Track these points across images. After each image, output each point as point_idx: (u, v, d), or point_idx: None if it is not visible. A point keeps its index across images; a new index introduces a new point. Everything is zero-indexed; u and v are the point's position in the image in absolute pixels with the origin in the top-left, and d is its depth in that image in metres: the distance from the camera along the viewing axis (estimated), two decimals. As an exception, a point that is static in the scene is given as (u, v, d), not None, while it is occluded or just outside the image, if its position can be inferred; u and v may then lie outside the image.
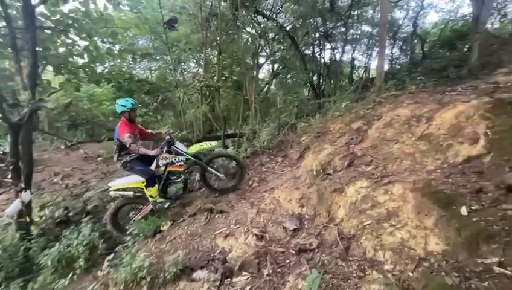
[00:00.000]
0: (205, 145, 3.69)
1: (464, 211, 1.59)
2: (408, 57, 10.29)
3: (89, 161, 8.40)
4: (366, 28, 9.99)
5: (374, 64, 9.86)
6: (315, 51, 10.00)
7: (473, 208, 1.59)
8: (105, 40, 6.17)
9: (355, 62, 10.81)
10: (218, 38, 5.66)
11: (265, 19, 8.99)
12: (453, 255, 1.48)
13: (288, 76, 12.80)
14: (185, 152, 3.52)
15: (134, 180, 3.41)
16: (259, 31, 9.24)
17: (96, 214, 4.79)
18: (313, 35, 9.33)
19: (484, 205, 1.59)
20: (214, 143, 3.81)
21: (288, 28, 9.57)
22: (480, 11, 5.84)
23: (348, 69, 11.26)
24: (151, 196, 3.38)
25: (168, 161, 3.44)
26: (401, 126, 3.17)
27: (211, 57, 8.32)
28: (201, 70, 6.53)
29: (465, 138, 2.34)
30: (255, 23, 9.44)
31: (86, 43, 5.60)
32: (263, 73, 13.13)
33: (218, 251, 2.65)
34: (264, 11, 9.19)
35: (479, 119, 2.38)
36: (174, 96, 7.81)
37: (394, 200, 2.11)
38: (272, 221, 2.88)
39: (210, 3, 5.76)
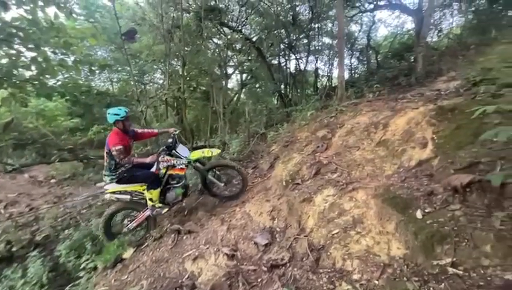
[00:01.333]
0: (206, 152, 3.54)
1: (419, 214, 1.68)
2: (365, 67, 11.16)
3: (39, 184, 7.49)
4: (327, 40, 10.66)
5: (336, 73, 10.53)
6: (281, 61, 10.36)
7: (426, 210, 1.69)
8: (57, 50, 5.66)
9: (319, 71, 11.42)
10: (181, 49, 5.51)
11: (231, 31, 9.11)
12: (413, 258, 1.54)
13: (257, 86, 13.03)
14: (185, 157, 3.36)
15: (123, 184, 3.20)
16: (226, 42, 9.33)
17: (48, 246, 4.24)
18: (278, 46, 9.67)
19: (435, 207, 1.70)
20: (215, 151, 3.66)
21: (254, 39, 9.81)
22: (421, 27, 6.58)
23: (312, 78, 11.83)
24: (151, 199, 3.18)
25: (169, 163, 3.27)
26: (361, 133, 3.34)
27: (177, 68, 8.14)
28: (167, 81, 6.27)
29: (416, 143, 2.53)
30: (221, 34, 9.51)
31: (33, 54, 5.07)
32: (232, 83, 13.21)
33: (186, 276, 2.46)
34: (230, 22, 9.31)
35: (426, 125, 2.60)
36: (137, 109, 7.41)
37: (359, 207, 2.18)
38: (243, 237, 2.78)
39: (172, 15, 5.62)
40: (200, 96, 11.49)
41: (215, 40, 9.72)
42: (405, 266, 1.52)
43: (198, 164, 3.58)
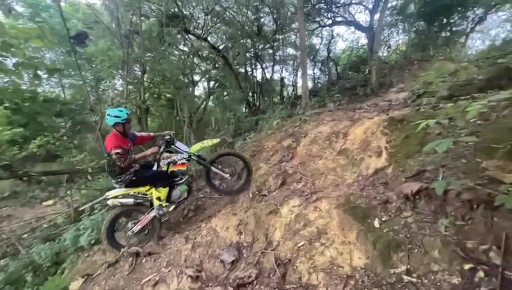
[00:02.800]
0: (207, 143, 3.45)
1: (376, 223, 1.75)
2: (327, 77, 11.86)
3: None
4: (291, 51, 11.12)
5: (301, 82, 11.04)
6: (248, 70, 10.47)
7: (383, 219, 1.77)
8: (-7, 52, 4.92)
9: (285, 80, 11.81)
10: (141, 56, 5.20)
11: (196, 38, 8.96)
12: (373, 268, 1.59)
13: (225, 93, 12.96)
14: (186, 151, 3.25)
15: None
16: (191, 50, 9.13)
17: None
18: (244, 55, 9.77)
19: (391, 215, 1.79)
20: (215, 140, 3.56)
21: (221, 48, 9.78)
22: (373, 43, 7.23)
23: (279, 87, 12.17)
24: (158, 199, 3.06)
25: (170, 160, 3.16)
26: (323, 142, 3.47)
27: (139, 74, 7.68)
28: (125, 89, 5.84)
29: (372, 152, 2.68)
30: (187, 41, 9.30)
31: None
32: (199, 90, 12.94)
33: (144, 306, 2.23)
34: (195, 30, 9.17)
35: (380, 135, 2.78)
36: (93, 118, 6.76)
37: (322, 217, 2.21)
38: (208, 255, 2.63)
39: (131, 20, 5.31)
40: (165, 104, 11.00)
41: (180, 47, 9.47)
42: (366, 277, 1.55)
43: (200, 159, 3.39)
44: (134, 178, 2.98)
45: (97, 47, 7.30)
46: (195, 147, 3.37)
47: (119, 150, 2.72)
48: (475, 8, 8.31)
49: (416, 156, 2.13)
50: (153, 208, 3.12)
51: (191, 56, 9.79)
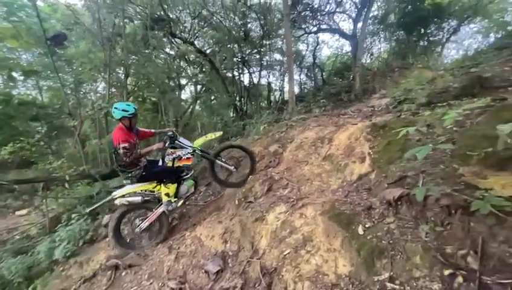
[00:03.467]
0: (210, 136, 3.50)
1: (360, 230, 1.76)
2: (313, 83, 12.08)
3: None
4: (278, 56, 11.26)
5: (287, 87, 11.18)
6: (235, 75, 10.47)
7: (366, 225, 1.79)
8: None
9: (272, 85, 11.92)
10: (124, 59, 5.06)
11: (183, 42, 8.87)
12: (357, 275, 1.59)
13: (212, 98, 12.87)
14: (190, 146, 3.29)
15: (141, 183, 3.10)
16: (177, 53, 9.01)
17: None
18: (231, 60, 9.77)
19: (374, 221, 1.81)
20: (218, 134, 3.62)
21: (208, 52, 9.73)
22: (356, 50, 7.46)
23: (266, 92, 12.26)
24: (167, 195, 3.08)
25: (174, 155, 3.20)
26: (309, 148, 3.49)
27: (123, 78, 7.47)
28: (107, 92, 5.63)
29: (356, 157, 2.73)
30: (173, 45, 9.18)
31: None
32: (186, 94, 12.79)
33: (123, 324, 2.11)
34: (182, 33, 9.08)
35: (364, 141, 2.84)
36: (72, 123, 6.46)
37: (308, 224, 2.20)
38: (192, 266, 2.54)
39: (114, 22, 5.16)
40: (150, 107, 10.76)
41: (166, 50, 9.34)
42: (350, 285, 1.55)
43: (204, 153, 3.41)
44: (144, 173, 3.00)
45: (78, 49, 7.03)
46: (199, 142, 3.39)
47: (126, 144, 2.74)
48: (449, 20, 8.84)
49: (398, 162, 2.18)
50: (161, 205, 3.13)
51: (178, 60, 9.67)
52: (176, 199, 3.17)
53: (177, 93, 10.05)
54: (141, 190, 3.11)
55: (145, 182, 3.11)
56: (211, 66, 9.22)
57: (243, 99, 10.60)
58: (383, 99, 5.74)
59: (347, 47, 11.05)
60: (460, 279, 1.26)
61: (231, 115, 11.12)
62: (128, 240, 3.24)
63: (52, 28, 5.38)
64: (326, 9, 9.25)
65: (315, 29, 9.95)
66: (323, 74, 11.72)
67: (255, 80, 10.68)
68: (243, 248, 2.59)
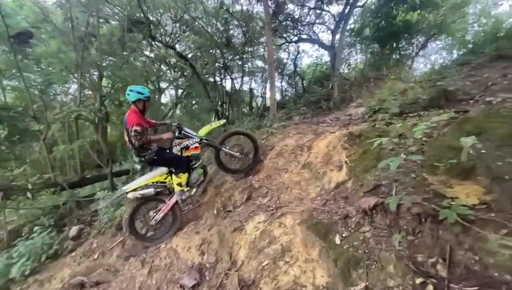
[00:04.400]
0: (214, 124, 3.59)
1: (337, 239, 1.77)
2: (294, 90, 12.34)
3: None
4: (260, 63, 11.37)
5: (269, 94, 11.28)
6: (217, 80, 10.40)
7: (343, 235, 1.80)
8: None
9: (254, 91, 11.98)
10: (99, 60, 4.81)
11: (163, 46, 8.67)
12: (334, 286, 1.58)
13: (193, 102, 12.64)
14: (195, 135, 3.32)
15: (152, 175, 3.13)
16: (158, 56, 8.77)
17: None
18: (213, 65, 9.70)
19: (351, 230, 1.83)
20: (222, 122, 3.75)
21: (189, 56, 9.57)
22: (335, 60, 7.75)
23: (248, 98, 12.29)
24: (179, 184, 3.10)
25: (182, 145, 3.22)
26: (289, 155, 3.51)
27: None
28: (78, 95, 5.28)
29: (334, 165, 2.78)
30: (153, 48, 8.93)
31: None
32: (166, 98, 12.47)
33: None
34: (162, 37, 8.87)
35: (341, 149, 2.90)
36: (37, 127, 5.97)
37: (287, 234, 2.18)
38: (167, 281, 2.41)
39: (87, 21, 4.90)
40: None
41: (146, 53, 9.06)
42: (328, 297, 1.54)
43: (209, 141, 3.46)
44: (155, 157, 3.01)
45: (48, 48, 6.58)
46: (204, 131, 3.45)
47: (138, 128, 2.74)
48: (418, 36, 9.53)
49: (373, 170, 2.24)
50: (173, 195, 3.15)
51: (158, 63, 9.41)
52: (188, 188, 3.21)
53: (156, 96, 9.76)
54: (152, 182, 3.10)
55: (156, 166, 3.15)
56: (192, 71, 9.07)
57: (224, 104, 10.51)
58: (359, 108, 5.98)
59: (326, 57, 11.46)
60: (430, 287, 1.30)
61: (213, 120, 10.98)
62: (144, 234, 3.22)
63: (16, 24, 4.98)
64: (307, 20, 9.56)
65: (296, 38, 10.22)
66: (304, 82, 12.01)
67: (237, 86, 10.68)
68: (221, 260, 2.51)
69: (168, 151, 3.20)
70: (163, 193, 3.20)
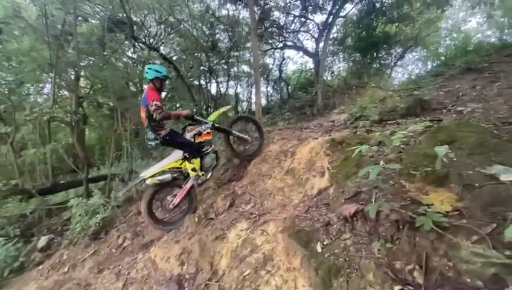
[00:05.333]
0: (222, 109, 3.83)
1: (318, 248, 1.77)
2: (279, 95, 12.47)
3: None
4: (246, 68, 11.40)
5: (255, 98, 11.32)
6: (202, 84, 10.28)
7: (325, 243, 1.80)
8: None
9: (239, 96, 11.96)
10: (76, 60, 4.58)
11: (146, 47, 8.46)
12: (315, 296, 1.56)
13: (178, 105, 12.38)
14: (207, 121, 3.40)
15: (168, 161, 3.22)
16: (141, 58, 8.53)
17: None
18: (198, 68, 9.59)
19: (332, 238, 1.83)
20: (229, 106, 3.89)
21: (174, 59, 9.40)
22: (319, 68, 7.93)
23: (234, 102, 12.24)
24: (194, 169, 3.15)
25: (195, 131, 3.31)
26: (273, 161, 3.50)
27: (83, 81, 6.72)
28: (52, 96, 4.96)
29: (316, 172, 2.80)
30: (136, 49, 8.68)
31: None
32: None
33: None
34: (147, 38, 8.66)
35: (323, 155, 2.93)
36: (3, 129, 5.54)
37: (269, 242, 2.14)
38: (143, 294, 2.28)
39: (63, 19, 4.67)
40: (107, 113, 9.89)
41: (128, 54, 8.78)
42: (308, 307, 1.51)
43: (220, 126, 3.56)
44: (168, 137, 3.07)
45: (21, 45, 6.19)
46: (214, 116, 3.56)
47: (158, 102, 2.83)
48: (396, 47, 10.04)
49: (354, 177, 2.28)
50: (189, 179, 3.22)
51: (140, 65, 9.15)
52: (203, 173, 3.25)
53: (139, 99, 9.45)
54: (169, 168, 3.18)
55: (168, 145, 3.24)
56: (177, 74, 8.91)
57: (209, 108, 10.40)
58: (341, 115, 6.14)
59: (310, 64, 11.72)
60: (408, 294, 1.31)
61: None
62: (162, 219, 3.28)
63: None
64: (292, 28, 9.75)
65: (281, 45, 10.38)
66: (289, 87, 12.19)
67: (223, 90, 10.62)
68: (201, 270, 2.42)
69: (181, 135, 3.28)
70: (179, 178, 3.28)
